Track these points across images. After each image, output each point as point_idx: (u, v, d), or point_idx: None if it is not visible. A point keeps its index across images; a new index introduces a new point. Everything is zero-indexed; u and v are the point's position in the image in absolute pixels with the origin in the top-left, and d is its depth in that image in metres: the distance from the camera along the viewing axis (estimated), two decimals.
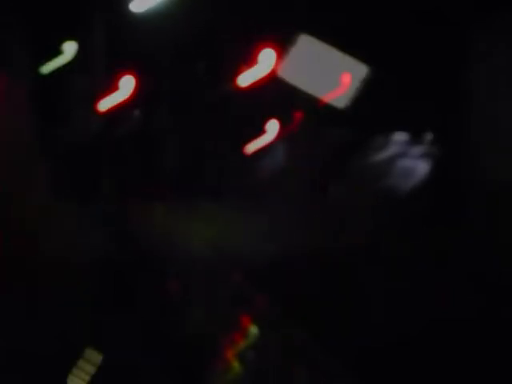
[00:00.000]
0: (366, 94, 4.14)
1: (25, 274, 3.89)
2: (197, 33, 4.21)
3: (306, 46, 4.18)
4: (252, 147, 4.24)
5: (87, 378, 3.86)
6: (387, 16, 4.10)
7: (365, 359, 3.71)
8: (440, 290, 3.87)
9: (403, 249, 3.95)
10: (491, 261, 3.87)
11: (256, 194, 4.16)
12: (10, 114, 4.01)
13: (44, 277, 3.93)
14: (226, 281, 4.01)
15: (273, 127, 4.26)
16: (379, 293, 3.89)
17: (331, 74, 4.17)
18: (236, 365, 3.85)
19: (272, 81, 4.18)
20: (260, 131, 4.25)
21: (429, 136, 4.15)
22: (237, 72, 4.20)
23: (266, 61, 4.18)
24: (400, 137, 4.16)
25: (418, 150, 4.15)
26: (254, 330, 3.93)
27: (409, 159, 4.14)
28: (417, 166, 4.13)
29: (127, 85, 4.20)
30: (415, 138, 4.16)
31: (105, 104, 4.19)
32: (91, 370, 3.87)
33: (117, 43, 4.23)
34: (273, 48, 4.18)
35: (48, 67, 4.20)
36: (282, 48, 4.19)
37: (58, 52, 4.21)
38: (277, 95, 4.20)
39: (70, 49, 4.22)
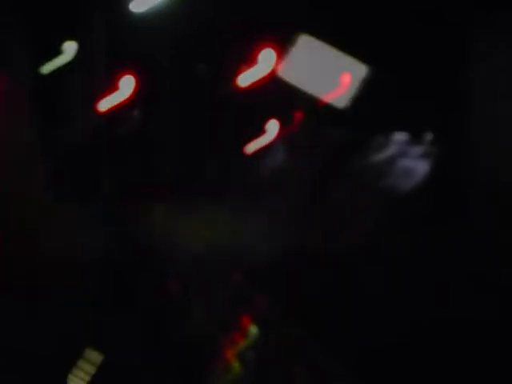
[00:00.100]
0: (365, 93, 4.14)
1: (25, 274, 3.90)
2: (197, 33, 4.21)
3: (306, 46, 4.18)
4: (252, 147, 4.24)
5: (87, 378, 3.86)
6: (387, 16, 4.10)
7: (365, 359, 3.71)
8: (440, 290, 3.87)
9: (403, 249, 3.95)
10: (491, 261, 3.87)
11: (256, 194, 4.16)
12: (10, 114, 4.01)
13: (44, 277, 3.93)
14: (225, 281, 4.01)
15: (273, 127, 4.26)
16: (379, 293, 3.89)
17: (331, 74, 4.17)
18: (236, 365, 3.85)
19: (272, 81, 4.18)
20: (260, 131, 4.25)
21: (429, 136, 4.15)
22: (237, 72, 4.20)
23: (266, 61, 4.18)
24: (400, 137, 4.16)
25: (417, 149, 4.15)
26: (253, 330, 3.93)
27: (409, 159, 4.14)
28: (417, 165, 4.13)
29: (127, 85, 4.20)
30: (415, 138, 4.16)
31: (105, 104, 4.19)
32: (91, 369, 3.87)
33: (117, 43, 4.23)
34: (273, 48, 4.18)
35: (48, 67, 4.20)
36: (282, 48, 4.18)
37: (57, 52, 4.21)
38: (277, 95, 4.19)
39: (69, 49, 4.22)
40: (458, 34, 4.11)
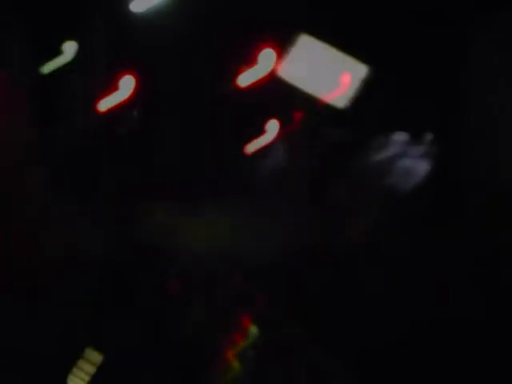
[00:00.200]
0: (365, 93, 4.14)
1: (25, 274, 3.89)
2: (197, 33, 4.21)
3: (306, 45, 4.18)
4: (252, 147, 4.24)
5: (87, 378, 3.86)
6: (387, 16, 4.10)
7: (365, 359, 3.71)
8: (440, 290, 3.87)
9: (403, 249, 3.95)
10: (491, 261, 3.87)
11: (256, 194, 4.16)
12: (10, 114, 4.01)
13: (44, 277, 3.93)
14: (226, 281, 4.01)
15: (273, 127, 4.26)
16: (379, 293, 3.89)
17: (331, 74, 4.18)
18: (236, 365, 3.85)
19: (272, 81, 4.18)
20: (260, 131, 4.25)
21: (429, 136, 4.15)
22: (237, 72, 4.20)
23: (265, 61, 4.18)
24: (400, 137, 4.16)
25: (417, 149, 4.15)
26: (253, 330, 3.93)
27: (409, 159, 4.14)
28: (417, 166, 4.13)
29: (127, 85, 4.20)
30: (415, 138, 4.16)
31: (105, 104, 4.19)
32: (91, 369, 3.87)
33: (117, 43, 4.23)
34: (273, 48, 4.18)
35: (48, 67, 4.20)
36: (282, 48, 4.19)
37: (57, 52, 4.21)
38: (277, 95, 4.20)
39: (69, 49, 4.22)
40: (458, 33, 4.11)
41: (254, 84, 4.19)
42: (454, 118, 4.15)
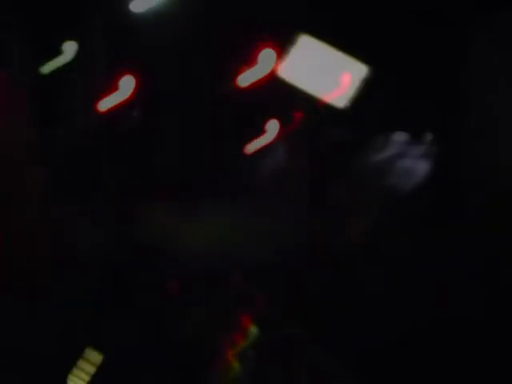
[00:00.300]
0: (365, 93, 4.14)
1: (25, 274, 3.89)
2: (197, 33, 4.21)
3: (306, 45, 4.18)
4: (252, 147, 4.24)
5: (87, 378, 3.86)
6: (387, 16, 4.10)
7: (365, 359, 3.71)
8: (440, 290, 3.87)
9: (403, 249, 3.95)
10: (491, 261, 3.87)
11: (256, 194, 4.16)
12: (10, 113, 4.01)
13: (44, 277, 3.93)
14: (226, 281, 4.01)
15: (273, 127, 4.26)
16: (379, 293, 3.89)
17: (331, 74, 4.17)
18: (236, 365, 3.85)
19: (272, 81, 4.18)
20: (260, 131, 4.25)
21: (429, 136, 4.15)
22: (237, 72, 4.20)
23: (265, 61, 4.18)
24: (400, 137, 4.16)
25: (417, 149, 4.14)
26: (254, 330, 3.93)
27: (409, 159, 4.14)
28: (417, 166, 4.13)
29: (127, 85, 4.20)
30: (415, 138, 4.15)
31: (105, 104, 4.19)
32: (91, 369, 3.87)
33: (117, 43, 4.23)
34: (273, 48, 4.18)
35: (48, 67, 4.19)
36: (282, 48, 4.18)
37: (57, 52, 4.21)
38: (277, 95, 4.19)
39: (69, 49, 4.22)
40: (458, 33, 4.11)
41: (253, 84, 4.19)
42: (454, 118, 4.15)
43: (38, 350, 3.77)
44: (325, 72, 4.18)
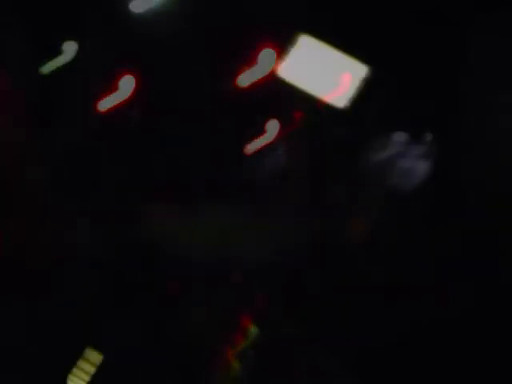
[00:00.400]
0: (365, 93, 4.14)
1: (25, 274, 3.89)
2: (197, 33, 4.21)
3: (306, 45, 4.18)
4: (252, 147, 4.24)
5: (87, 378, 3.86)
6: (387, 16, 4.10)
7: (365, 359, 3.71)
8: (440, 290, 3.87)
9: (403, 249, 3.95)
10: (491, 261, 3.87)
11: (256, 194, 4.16)
12: (10, 113, 4.01)
13: (44, 277, 3.93)
14: (226, 281, 4.01)
15: (273, 127, 4.26)
16: (379, 293, 3.89)
17: (331, 74, 4.17)
18: (236, 365, 3.85)
19: (272, 81, 4.18)
20: (260, 131, 4.25)
21: (429, 136, 4.15)
22: (237, 72, 4.20)
23: (265, 61, 4.18)
24: (400, 137, 4.16)
25: (417, 149, 4.14)
26: (254, 329, 3.93)
27: (409, 159, 4.14)
28: (417, 166, 4.13)
29: (127, 85, 4.20)
30: (415, 138, 4.15)
31: (105, 104, 4.19)
32: (91, 369, 3.87)
33: (117, 43, 4.22)
34: (273, 48, 4.18)
35: (48, 67, 4.19)
36: (282, 48, 4.18)
37: (57, 52, 4.21)
38: (277, 95, 4.19)
39: (69, 49, 4.22)
40: (458, 33, 4.11)
41: (254, 84, 4.19)
42: (454, 118, 4.15)
43: (37, 350, 3.77)
44: (325, 72, 4.18)
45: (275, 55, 4.19)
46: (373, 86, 4.13)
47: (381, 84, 4.12)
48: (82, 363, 3.87)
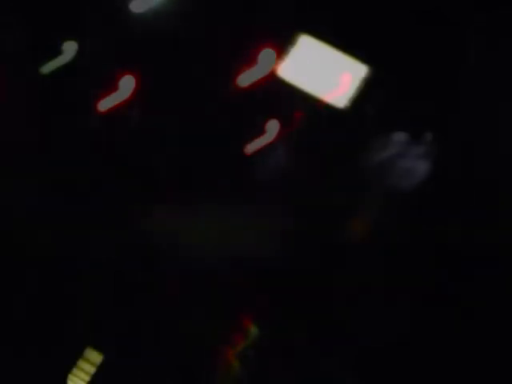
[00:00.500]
0: (366, 93, 4.14)
1: (25, 274, 3.90)
2: (197, 33, 4.21)
3: (306, 45, 4.18)
4: (252, 147, 4.23)
5: (87, 378, 3.86)
6: (387, 16, 4.10)
7: (365, 359, 3.71)
8: (440, 290, 3.87)
9: (403, 249, 3.95)
10: (491, 261, 3.87)
11: (256, 194, 4.16)
12: (10, 113, 4.01)
13: (44, 277, 3.93)
14: (226, 281, 4.01)
15: (273, 127, 4.26)
16: (379, 292, 3.89)
17: (331, 74, 4.17)
18: (236, 365, 3.86)
19: (272, 81, 4.18)
20: (260, 131, 4.25)
21: (429, 136, 4.14)
22: (237, 72, 4.20)
23: (265, 61, 4.18)
24: (400, 137, 4.16)
25: (417, 149, 4.14)
26: (254, 329, 3.93)
27: (409, 159, 4.14)
28: (417, 165, 4.13)
29: (127, 85, 4.20)
30: (415, 138, 4.15)
31: (105, 104, 4.19)
32: (91, 369, 3.87)
33: (117, 43, 4.22)
34: (273, 48, 4.18)
35: (48, 67, 4.19)
36: (282, 48, 4.18)
37: (58, 52, 4.21)
38: (277, 95, 4.19)
39: (69, 49, 4.22)
40: (458, 33, 4.11)
41: (254, 84, 4.19)
42: (454, 118, 4.14)
43: (37, 350, 3.77)
44: (325, 72, 4.18)
45: (275, 55, 4.18)
46: (373, 86, 4.13)
47: (381, 84, 4.12)
48: (81, 363, 3.88)
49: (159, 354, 3.85)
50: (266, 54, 4.19)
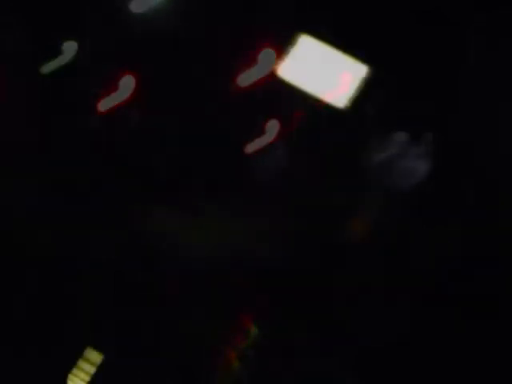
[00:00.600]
0: (365, 93, 4.14)
1: (25, 274, 3.90)
2: (197, 32, 4.21)
3: (306, 45, 4.18)
4: (252, 147, 4.23)
5: (87, 378, 3.86)
6: (387, 16, 4.10)
7: (365, 359, 3.71)
8: (440, 290, 3.87)
9: (403, 249, 3.95)
10: (491, 261, 3.87)
11: (256, 194, 4.16)
12: (10, 113, 4.01)
13: (44, 276, 3.93)
14: (226, 281, 4.01)
15: (273, 127, 4.26)
16: (379, 292, 3.89)
17: (331, 74, 4.17)
18: (236, 365, 3.86)
19: (272, 81, 4.18)
20: (260, 131, 4.25)
21: (429, 136, 4.15)
22: (237, 72, 4.20)
23: (265, 61, 4.18)
24: (400, 137, 4.16)
25: (417, 149, 4.14)
26: (254, 329, 3.94)
27: (409, 159, 4.14)
28: (417, 165, 4.13)
29: (127, 85, 4.20)
30: (415, 138, 4.15)
31: (105, 104, 4.19)
32: (91, 369, 3.87)
33: (117, 43, 4.23)
34: (273, 48, 4.18)
35: (48, 67, 4.19)
36: (282, 48, 4.18)
37: (58, 52, 4.21)
38: (277, 95, 4.19)
39: (69, 49, 4.22)
40: (458, 33, 4.11)
41: (254, 84, 4.19)
42: (454, 118, 4.15)
43: (37, 350, 3.77)
44: (325, 72, 4.18)
45: (275, 55, 4.19)
46: (373, 86, 4.13)
47: (381, 84, 4.12)
48: (82, 363, 3.88)
49: (159, 354, 3.85)
50: (266, 53, 4.19)
